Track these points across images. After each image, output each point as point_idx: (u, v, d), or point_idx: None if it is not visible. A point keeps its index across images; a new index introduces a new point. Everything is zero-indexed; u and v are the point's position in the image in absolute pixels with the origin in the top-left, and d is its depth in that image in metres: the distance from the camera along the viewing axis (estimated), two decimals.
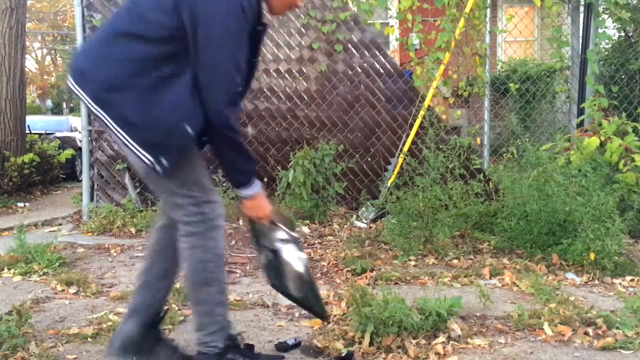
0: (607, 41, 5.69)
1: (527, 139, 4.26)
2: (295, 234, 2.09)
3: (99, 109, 1.67)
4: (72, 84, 1.73)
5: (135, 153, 1.67)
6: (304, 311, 2.66)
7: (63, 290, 3.02)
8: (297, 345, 2.26)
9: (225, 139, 1.74)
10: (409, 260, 3.61)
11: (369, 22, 5.24)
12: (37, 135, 7.64)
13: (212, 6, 1.61)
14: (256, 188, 1.85)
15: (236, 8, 1.61)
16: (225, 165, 1.82)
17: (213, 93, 1.66)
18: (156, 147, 1.66)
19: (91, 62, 1.73)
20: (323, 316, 2.28)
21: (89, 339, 2.32)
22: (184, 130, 1.65)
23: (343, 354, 2.14)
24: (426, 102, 4.81)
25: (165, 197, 1.84)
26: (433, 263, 3.59)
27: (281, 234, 2.02)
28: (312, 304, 2.12)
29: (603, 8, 4.95)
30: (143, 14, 1.67)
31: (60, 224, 4.96)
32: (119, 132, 1.66)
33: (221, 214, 1.85)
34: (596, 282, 3.20)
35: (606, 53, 6.26)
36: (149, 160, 1.66)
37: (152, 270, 1.99)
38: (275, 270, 2.01)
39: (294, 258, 2.05)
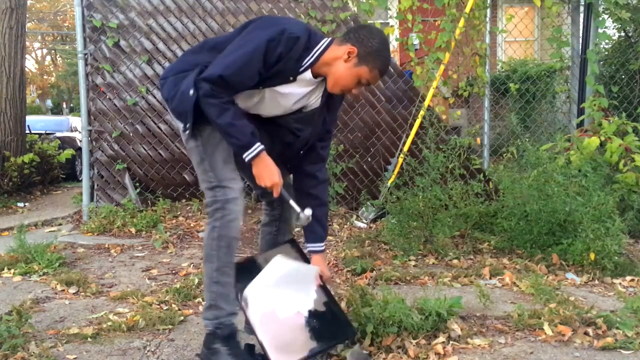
0: (607, 41, 5.70)
1: (527, 139, 4.26)
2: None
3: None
4: None
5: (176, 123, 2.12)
6: None
7: (63, 290, 3.02)
8: None
9: (206, 107, 1.96)
10: (409, 260, 3.61)
11: (369, 22, 5.22)
12: (37, 135, 7.63)
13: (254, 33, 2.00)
14: (255, 152, 1.99)
15: (260, 48, 1.94)
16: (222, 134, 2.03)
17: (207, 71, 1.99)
18: (182, 115, 2.03)
19: None
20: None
21: (89, 339, 2.33)
22: (189, 94, 1.98)
23: (343, 354, 2.15)
24: (426, 102, 4.81)
25: (198, 174, 2.09)
26: (433, 263, 3.59)
27: None
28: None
29: (603, 8, 4.95)
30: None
31: (60, 224, 4.95)
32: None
33: (233, 200, 2.00)
34: (596, 282, 3.20)
35: (606, 53, 6.26)
36: (181, 126, 2.04)
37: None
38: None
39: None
